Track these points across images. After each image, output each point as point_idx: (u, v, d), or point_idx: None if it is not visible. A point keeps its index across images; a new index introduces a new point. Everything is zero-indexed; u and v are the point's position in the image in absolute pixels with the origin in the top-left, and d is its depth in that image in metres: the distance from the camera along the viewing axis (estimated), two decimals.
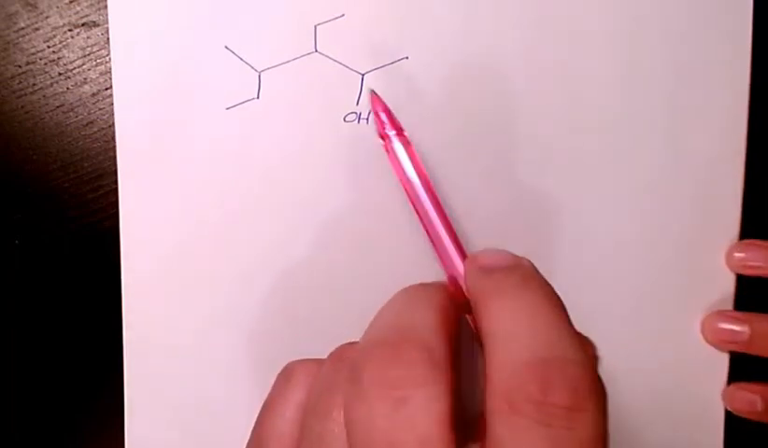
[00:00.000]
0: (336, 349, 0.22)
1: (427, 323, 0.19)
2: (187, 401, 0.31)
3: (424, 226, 0.26)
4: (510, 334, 0.18)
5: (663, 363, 0.32)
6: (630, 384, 0.32)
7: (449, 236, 0.25)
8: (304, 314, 0.30)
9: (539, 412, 0.16)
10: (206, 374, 0.30)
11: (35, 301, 0.31)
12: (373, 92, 0.28)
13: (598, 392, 0.17)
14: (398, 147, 0.27)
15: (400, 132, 0.27)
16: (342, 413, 0.19)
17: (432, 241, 0.25)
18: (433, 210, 0.25)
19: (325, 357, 0.22)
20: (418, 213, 0.26)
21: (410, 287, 0.22)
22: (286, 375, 0.23)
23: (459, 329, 0.21)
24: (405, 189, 0.26)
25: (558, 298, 0.20)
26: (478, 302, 0.20)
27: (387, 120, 0.27)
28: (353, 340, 0.22)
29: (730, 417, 0.32)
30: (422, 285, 0.22)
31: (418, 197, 0.26)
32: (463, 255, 0.25)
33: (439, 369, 0.18)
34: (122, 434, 0.30)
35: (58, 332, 0.31)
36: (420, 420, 0.17)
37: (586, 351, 0.18)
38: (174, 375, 0.30)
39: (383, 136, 0.27)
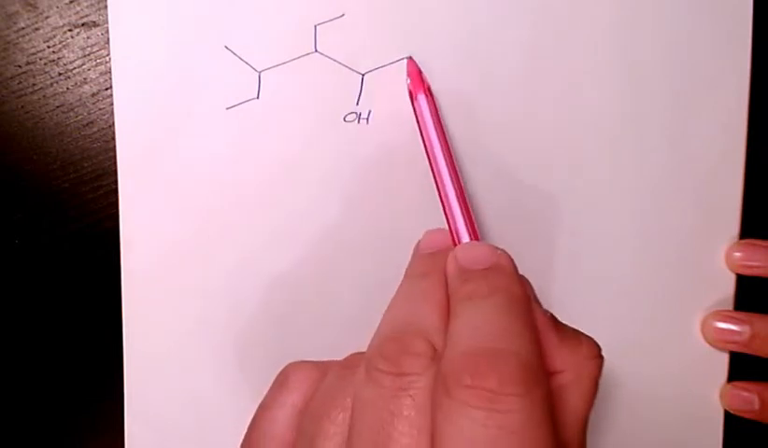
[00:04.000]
0: (345, 358, 0.22)
1: (431, 321, 0.21)
2: (187, 401, 0.31)
3: (437, 186, 0.26)
4: (460, 331, 0.20)
5: (663, 363, 0.32)
6: (629, 383, 0.32)
7: (461, 208, 0.25)
8: (305, 312, 0.30)
9: (469, 395, 0.17)
10: (207, 374, 0.30)
11: (34, 301, 0.31)
12: (410, 58, 0.29)
13: (529, 381, 0.18)
14: (424, 105, 0.27)
15: (428, 92, 0.28)
16: (341, 414, 0.20)
17: (443, 206, 0.26)
18: (449, 174, 0.26)
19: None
20: (434, 175, 0.26)
21: (412, 280, 0.24)
22: (282, 378, 0.23)
23: None
24: (426, 150, 0.27)
25: (522, 298, 0.21)
26: (451, 305, 0.21)
27: (417, 81, 0.28)
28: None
29: (729, 417, 0.32)
30: (424, 275, 0.23)
31: (435, 158, 0.27)
32: (472, 226, 0.25)
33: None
34: (122, 434, 0.30)
35: (58, 332, 0.31)
36: (424, 401, 0.18)
37: (532, 346, 0.19)
38: (174, 375, 0.30)
39: (412, 95, 0.28)
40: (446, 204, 0.26)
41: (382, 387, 0.19)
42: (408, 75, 0.29)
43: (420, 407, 0.18)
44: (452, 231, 0.25)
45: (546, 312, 0.22)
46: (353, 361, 0.21)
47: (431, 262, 0.24)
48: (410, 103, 0.28)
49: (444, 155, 0.26)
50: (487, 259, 0.22)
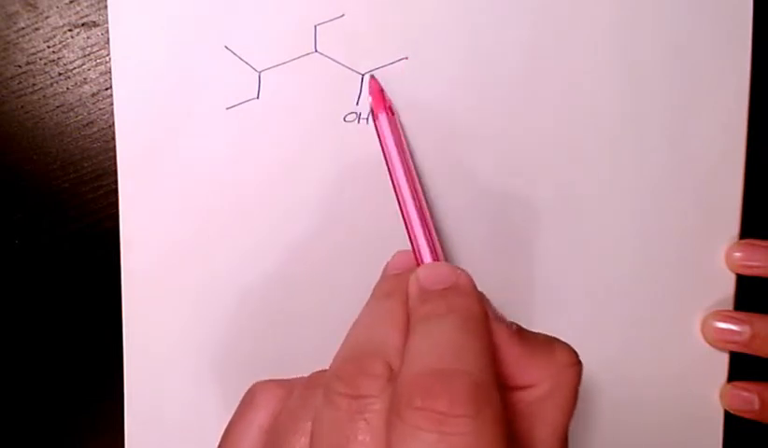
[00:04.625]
0: (309, 376, 0.22)
1: (392, 341, 0.21)
2: (187, 401, 0.31)
3: (400, 208, 0.26)
4: (416, 351, 0.19)
5: (663, 363, 0.32)
6: (630, 383, 0.32)
7: (422, 228, 0.25)
8: (305, 312, 0.30)
9: (419, 417, 0.17)
10: (207, 374, 0.30)
11: (34, 301, 0.31)
12: (372, 77, 0.29)
13: (480, 401, 0.17)
14: (385, 124, 0.27)
15: (389, 111, 0.28)
16: (301, 439, 0.20)
17: (406, 229, 0.26)
18: (410, 195, 0.26)
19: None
20: (396, 196, 0.26)
21: (376, 301, 0.24)
22: (249, 397, 0.23)
23: None
24: (388, 169, 0.27)
25: (478, 316, 0.21)
26: (410, 325, 0.21)
27: (378, 100, 0.28)
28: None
29: (729, 417, 0.32)
30: (387, 296, 0.23)
31: (396, 178, 0.26)
32: (433, 246, 0.25)
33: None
34: (122, 434, 0.30)
35: (58, 332, 0.31)
36: (379, 424, 0.18)
37: (486, 365, 0.19)
38: (174, 375, 0.30)
39: (374, 113, 0.28)
40: (407, 225, 0.26)
41: (339, 410, 0.19)
42: (370, 93, 0.28)
43: (376, 430, 0.18)
44: (415, 252, 0.25)
45: (511, 325, 0.22)
46: (316, 380, 0.21)
47: (395, 283, 0.24)
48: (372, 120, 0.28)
49: (405, 175, 0.26)
50: (446, 279, 0.22)
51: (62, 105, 0.30)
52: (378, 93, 0.28)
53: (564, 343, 0.22)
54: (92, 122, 0.30)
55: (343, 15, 0.29)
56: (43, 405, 0.32)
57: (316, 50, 0.29)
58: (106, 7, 0.29)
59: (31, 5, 0.30)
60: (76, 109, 0.30)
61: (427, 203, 0.27)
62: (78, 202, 0.31)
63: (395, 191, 0.26)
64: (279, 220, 0.30)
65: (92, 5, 0.30)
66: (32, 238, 0.31)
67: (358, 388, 0.19)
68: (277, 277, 0.30)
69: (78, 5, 0.30)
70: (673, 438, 0.32)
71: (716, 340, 0.31)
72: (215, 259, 0.30)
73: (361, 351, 0.20)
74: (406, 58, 0.29)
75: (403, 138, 0.28)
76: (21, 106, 0.30)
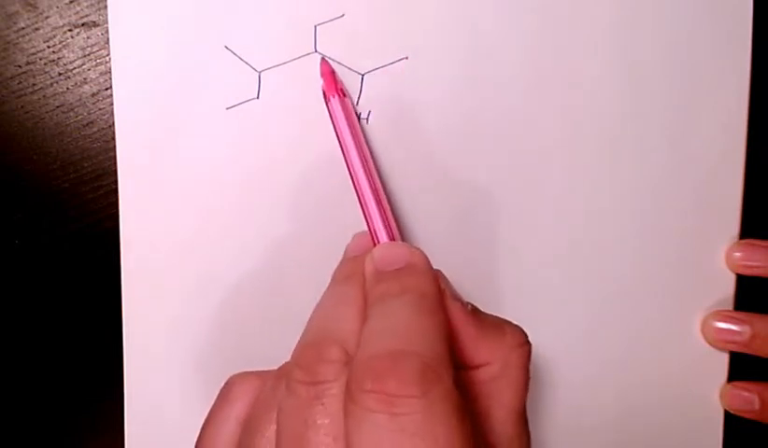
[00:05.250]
0: (280, 367, 0.22)
1: (349, 325, 0.21)
2: (187, 401, 0.31)
3: (356, 192, 0.26)
4: (369, 334, 0.20)
5: (663, 363, 0.32)
6: (630, 383, 0.32)
7: (378, 209, 0.25)
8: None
9: (370, 400, 0.17)
10: (207, 374, 0.30)
11: (34, 301, 0.31)
12: (323, 59, 0.29)
13: (427, 380, 0.18)
14: (337, 107, 0.27)
15: (341, 94, 0.28)
16: (270, 427, 0.20)
17: (362, 210, 0.26)
18: (364, 175, 0.26)
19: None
20: (351, 177, 0.26)
21: (335, 285, 0.24)
22: (225, 390, 0.23)
23: None
24: (342, 152, 0.27)
25: (432, 295, 0.21)
26: (367, 307, 0.21)
27: (330, 82, 0.28)
28: None
29: (729, 417, 0.32)
30: (346, 279, 0.23)
31: (350, 160, 0.26)
32: (389, 226, 0.25)
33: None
34: (122, 434, 0.30)
35: (58, 332, 0.31)
36: (337, 408, 0.18)
37: (437, 344, 0.19)
38: (174, 375, 0.30)
39: (326, 97, 0.28)
40: (363, 206, 0.26)
41: (299, 397, 0.19)
42: (321, 75, 0.28)
43: (334, 414, 0.18)
44: (371, 233, 0.25)
45: (466, 304, 0.22)
46: (284, 370, 0.21)
47: (353, 266, 0.24)
48: (324, 103, 0.28)
49: (358, 156, 0.26)
50: (401, 259, 0.22)
51: (62, 105, 0.30)
52: (330, 75, 0.28)
53: (514, 325, 0.22)
54: (92, 122, 0.30)
55: (343, 15, 0.29)
56: (43, 405, 0.32)
57: (316, 50, 0.29)
58: (106, 7, 0.29)
59: (31, 5, 0.30)
60: (76, 109, 0.30)
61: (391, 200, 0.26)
62: (78, 202, 0.31)
63: (350, 174, 0.26)
64: (280, 220, 0.30)
65: (92, 5, 0.30)
66: (32, 238, 0.31)
67: (315, 375, 0.19)
68: (278, 277, 0.30)
69: (78, 5, 0.30)
70: (673, 437, 0.32)
71: (716, 340, 0.31)
72: (215, 259, 0.30)
73: (318, 337, 0.21)
74: (406, 58, 0.29)
75: (356, 120, 0.28)
76: (21, 106, 0.30)
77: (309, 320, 0.22)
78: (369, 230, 0.25)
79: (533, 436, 0.32)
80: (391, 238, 0.25)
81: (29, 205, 0.31)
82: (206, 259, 0.30)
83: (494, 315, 0.22)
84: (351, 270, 0.24)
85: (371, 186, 0.26)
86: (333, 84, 0.28)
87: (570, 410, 0.32)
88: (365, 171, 0.26)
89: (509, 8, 0.30)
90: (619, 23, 0.30)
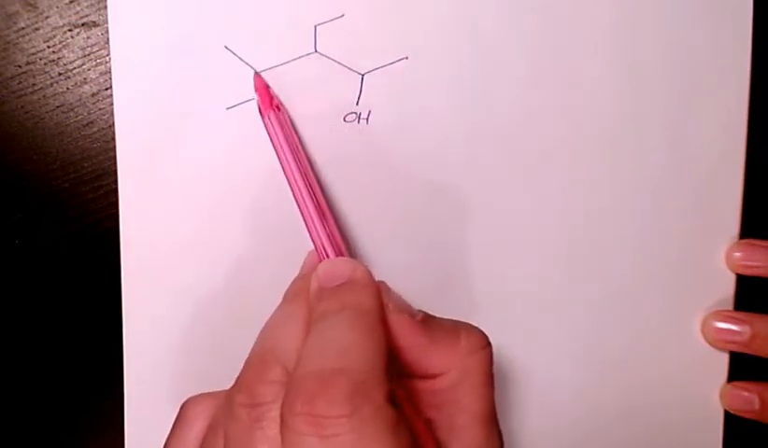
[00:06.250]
0: (230, 387, 0.22)
1: (291, 343, 0.20)
2: None
3: (299, 209, 0.26)
4: (306, 353, 0.19)
5: (663, 363, 0.32)
6: (630, 383, 0.32)
7: (321, 225, 0.25)
8: None
9: (300, 423, 0.17)
10: (207, 374, 0.30)
11: (34, 301, 0.31)
12: (257, 74, 0.28)
13: (357, 398, 0.17)
14: (276, 122, 0.27)
15: (276, 109, 0.27)
16: None
17: (306, 226, 0.25)
18: (306, 192, 0.26)
19: None
20: (293, 194, 0.26)
21: (283, 304, 0.23)
22: (181, 413, 0.23)
23: None
24: (282, 168, 0.26)
25: (370, 311, 0.21)
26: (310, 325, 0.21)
27: (265, 97, 0.28)
28: None
29: (729, 417, 0.32)
30: (294, 297, 0.23)
31: (290, 176, 0.26)
32: (334, 242, 0.25)
33: None
34: (122, 434, 0.30)
35: (58, 332, 0.31)
36: (275, 432, 0.18)
37: (370, 360, 0.19)
38: (174, 375, 0.30)
39: (262, 113, 0.28)
40: (306, 222, 0.25)
41: (240, 421, 0.19)
42: (255, 90, 0.28)
43: (272, 439, 0.18)
44: (317, 250, 0.25)
45: (416, 314, 0.21)
46: (229, 392, 0.21)
47: (301, 284, 0.23)
48: (261, 119, 0.28)
49: (298, 172, 0.26)
50: (342, 275, 0.22)
51: (62, 105, 0.30)
52: (264, 91, 0.28)
53: (471, 329, 0.22)
54: (92, 122, 0.30)
55: (343, 15, 0.29)
56: (43, 405, 0.32)
57: (316, 50, 0.29)
58: (106, 7, 0.29)
59: (31, 5, 0.30)
60: (76, 109, 0.30)
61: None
62: (78, 202, 0.31)
63: (292, 191, 0.26)
64: (279, 220, 0.30)
65: (92, 5, 0.30)
66: (32, 238, 0.31)
67: (255, 397, 0.19)
68: (279, 276, 0.30)
69: (78, 5, 0.30)
70: (673, 437, 0.32)
71: (716, 340, 0.31)
72: (215, 259, 0.30)
73: (260, 357, 0.20)
74: (406, 58, 0.29)
75: (294, 135, 0.27)
76: (21, 106, 0.30)
77: (255, 340, 0.22)
78: (314, 246, 0.25)
79: (533, 436, 0.32)
80: (338, 253, 0.24)
81: (29, 205, 0.31)
82: (207, 258, 0.30)
83: (451, 319, 0.22)
84: (300, 287, 0.23)
85: (313, 202, 0.25)
86: (268, 99, 0.27)
87: (570, 410, 0.32)
88: (306, 187, 0.26)
89: (509, 8, 0.30)
90: (619, 23, 0.30)
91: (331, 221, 0.25)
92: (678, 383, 0.32)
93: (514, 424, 0.32)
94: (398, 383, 0.21)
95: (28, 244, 0.31)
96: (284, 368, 0.20)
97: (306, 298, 0.22)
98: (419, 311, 0.22)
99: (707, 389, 0.32)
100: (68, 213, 0.31)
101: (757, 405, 0.31)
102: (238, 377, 0.20)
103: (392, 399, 0.18)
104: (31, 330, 0.31)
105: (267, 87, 0.28)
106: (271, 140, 0.27)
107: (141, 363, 0.30)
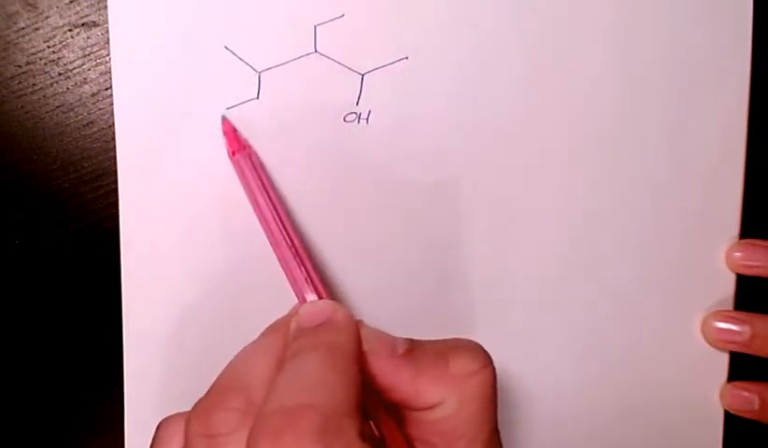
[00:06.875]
0: (192, 409, 0.22)
1: (259, 373, 0.20)
2: (187, 402, 0.30)
3: (274, 251, 0.26)
4: (273, 388, 0.19)
5: (663, 363, 0.32)
6: (630, 383, 0.32)
7: (298, 267, 0.25)
8: None
9: None
10: (207, 375, 0.30)
11: (35, 300, 0.31)
12: (224, 117, 0.29)
13: (328, 434, 0.17)
14: (246, 165, 0.27)
15: (244, 151, 0.28)
16: None
17: (282, 269, 0.26)
18: (282, 235, 0.26)
19: None
20: (267, 235, 0.26)
21: (258, 338, 0.23)
22: (156, 435, 0.23)
23: None
24: (255, 211, 0.27)
25: (344, 348, 0.20)
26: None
27: (232, 140, 0.28)
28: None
29: (729, 417, 0.32)
30: (273, 332, 0.23)
31: (264, 219, 0.26)
32: (313, 284, 0.25)
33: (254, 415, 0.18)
34: (122, 434, 0.30)
35: (58, 332, 0.31)
36: None
37: (341, 396, 0.18)
38: (174, 375, 0.30)
39: (231, 157, 0.28)
40: (282, 265, 0.25)
41: None
42: (224, 134, 0.28)
43: None
44: (295, 293, 0.25)
45: (399, 347, 0.21)
46: (187, 417, 0.21)
47: (282, 321, 0.23)
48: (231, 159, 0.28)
49: (272, 215, 0.26)
50: (321, 316, 0.22)
51: (62, 105, 0.30)
52: (232, 134, 0.28)
53: (462, 351, 0.21)
54: (92, 122, 0.30)
55: (343, 15, 0.29)
56: (43, 405, 0.32)
57: (316, 50, 0.29)
58: (106, 7, 0.29)
59: (31, 5, 0.30)
60: (76, 109, 0.30)
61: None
62: (78, 202, 0.31)
63: (266, 234, 0.26)
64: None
65: (92, 5, 0.30)
66: (32, 238, 0.31)
67: (210, 428, 0.19)
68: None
69: (78, 5, 0.30)
70: (673, 437, 0.32)
71: (716, 340, 0.31)
72: (215, 259, 0.30)
73: (222, 385, 0.20)
74: (406, 58, 0.29)
75: (264, 175, 0.27)
76: (21, 106, 0.30)
77: (223, 369, 0.21)
78: (293, 290, 0.25)
79: (533, 436, 0.32)
80: (317, 294, 0.24)
81: (29, 205, 0.31)
82: (207, 258, 0.30)
83: (441, 341, 0.21)
84: (279, 324, 0.23)
85: (288, 245, 0.25)
86: (235, 142, 0.28)
87: (570, 410, 0.32)
88: (281, 230, 0.26)
89: (509, 8, 0.30)
90: (619, 23, 0.30)
91: (308, 263, 0.25)
92: (678, 383, 0.32)
93: (513, 424, 0.32)
94: (393, 413, 0.21)
95: (28, 244, 0.31)
96: (248, 398, 0.19)
97: (284, 334, 0.22)
98: (404, 341, 0.21)
99: (707, 389, 0.32)
100: (68, 213, 0.31)
101: (757, 405, 0.31)
102: (197, 403, 0.20)
103: (365, 436, 0.18)
104: (31, 330, 0.31)
105: (235, 130, 0.28)
106: (241, 182, 0.27)
107: (141, 363, 0.30)
